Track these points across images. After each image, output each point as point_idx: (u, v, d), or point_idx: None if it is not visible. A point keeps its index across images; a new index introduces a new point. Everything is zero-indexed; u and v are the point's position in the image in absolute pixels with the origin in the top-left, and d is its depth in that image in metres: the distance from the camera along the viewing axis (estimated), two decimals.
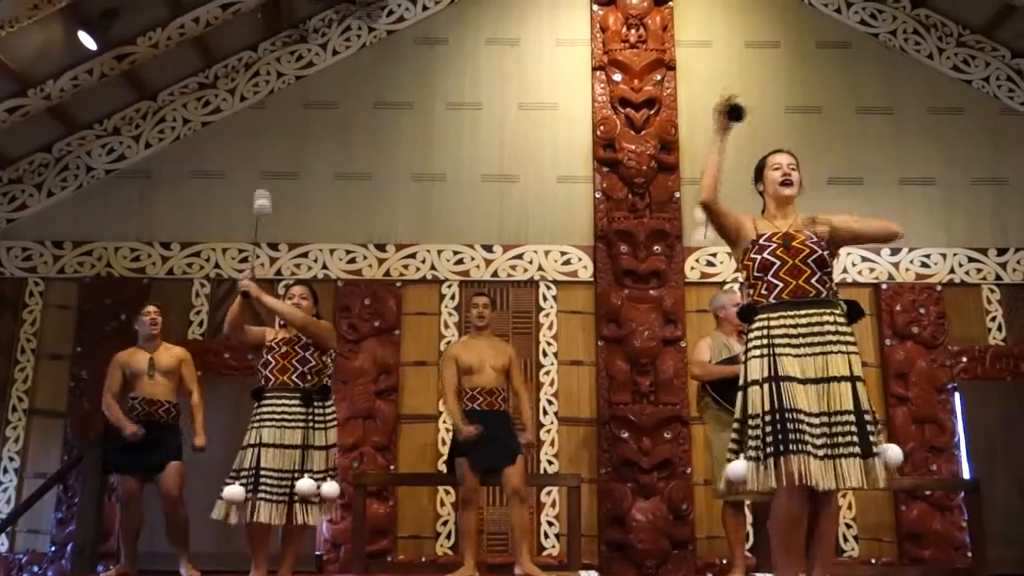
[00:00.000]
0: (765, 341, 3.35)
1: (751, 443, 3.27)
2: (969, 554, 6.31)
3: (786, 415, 3.19)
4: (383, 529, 6.56)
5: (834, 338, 3.33)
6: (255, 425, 4.77)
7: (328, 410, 4.87)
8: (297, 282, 5.29)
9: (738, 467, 3.36)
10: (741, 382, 3.42)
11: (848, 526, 6.72)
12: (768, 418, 3.23)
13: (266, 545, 4.75)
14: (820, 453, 3.16)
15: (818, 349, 3.30)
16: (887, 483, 3.33)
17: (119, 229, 7.26)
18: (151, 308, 5.86)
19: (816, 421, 3.20)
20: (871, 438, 3.25)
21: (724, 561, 6.25)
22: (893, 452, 3.35)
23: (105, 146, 7.40)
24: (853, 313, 3.50)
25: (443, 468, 6.76)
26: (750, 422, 3.30)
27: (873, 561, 6.60)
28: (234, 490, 4.63)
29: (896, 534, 6.69)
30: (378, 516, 6.53)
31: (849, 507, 6.72)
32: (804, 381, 3.26)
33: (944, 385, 6.88)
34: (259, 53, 7.56)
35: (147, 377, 5.68)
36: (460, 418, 5.48)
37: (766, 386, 3.28)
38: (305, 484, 4.58)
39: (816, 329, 3.33)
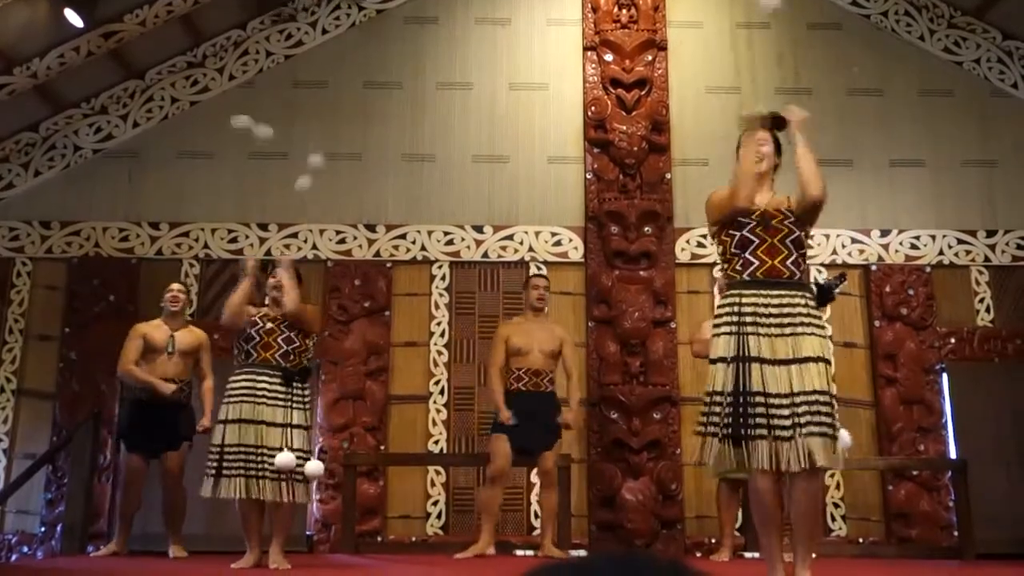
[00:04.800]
0: (735, 319, 3.35)
1: (712, 419, 3.29)
2: (955, 534, 6.37)
3: (748, 398, 3.20)
4: (373, 509, 6.58)
5: (806, 320, 3.33)
6: (230, 400, 4.70)
7: (306, 392, 4.85)
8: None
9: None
10: (710, 358, 3.42)
11: (836, 505, 6.76)
12: (731, 399, 3.24)
13: (259, 524, 4.74)
14: (787, 434, 3.18)
15: (789, 330, 3.31)
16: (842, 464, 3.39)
17: (107, 209, 7.21)
18: (175, 285, 5.98)
19: (785, 402, 3.21)
20: (835, 419, 3.28)
21: (713, 540, 6.29)
22: (844, 435, 3.37)
23: (92, 125, 7.34)
24: (822, 297, 3.51)
25: (435, 448, 6.80)
26: (714, 399, 3.31)
27: (860, 540, 6.66)
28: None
29: (883, 514, 6.75)
30: (368, 496, 6.54)
31: (837, 487, 6.77)
32: (774, 362, 3.26)
33: (932, 366, 6.92)
34: (248, 32, 7.49)
35: (166, 355, 5.74)
36: (500, 400, 5.56)
37: (732, 366, 3.29)
38: (285, 457, 4.52)
39: (787, 311, 3.33)
